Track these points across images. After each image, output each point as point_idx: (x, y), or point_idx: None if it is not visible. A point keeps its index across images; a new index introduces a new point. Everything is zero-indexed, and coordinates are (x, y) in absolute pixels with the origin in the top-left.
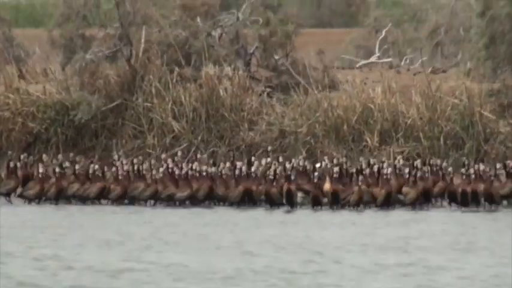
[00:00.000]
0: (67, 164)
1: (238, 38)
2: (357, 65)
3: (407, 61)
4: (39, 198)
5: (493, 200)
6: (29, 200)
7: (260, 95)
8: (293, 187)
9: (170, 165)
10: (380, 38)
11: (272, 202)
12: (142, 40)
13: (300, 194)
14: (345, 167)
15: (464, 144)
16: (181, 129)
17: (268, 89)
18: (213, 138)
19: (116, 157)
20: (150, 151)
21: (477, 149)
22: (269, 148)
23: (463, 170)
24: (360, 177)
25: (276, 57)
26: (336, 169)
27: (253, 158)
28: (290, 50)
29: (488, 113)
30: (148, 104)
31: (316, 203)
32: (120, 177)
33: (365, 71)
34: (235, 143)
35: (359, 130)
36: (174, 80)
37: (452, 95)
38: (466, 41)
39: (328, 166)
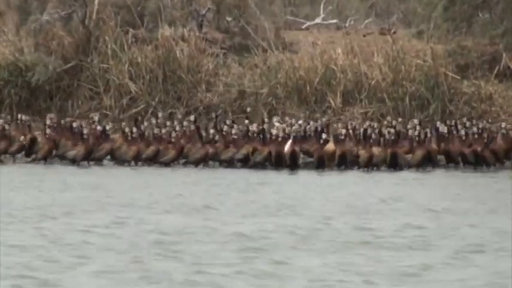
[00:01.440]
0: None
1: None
2: (303, 26)
3: (352, 22)
4: None
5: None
6: None
7: (217, 56)
8: (297, 149)
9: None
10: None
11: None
12: (96, 1)
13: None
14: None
15: (429, 105)
16: (139, 91)
17: (222, 51)
18: (171, 100)
19: (96, 118)
20: (107, 112)
21: (442, 109)
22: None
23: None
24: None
25: (229, 18)
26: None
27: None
28: (243, 12)
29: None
30: (105, 66)
31: (320, 164)
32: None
33: (314, 33)
34: (193, 104)
35: (321, 91)
36: (129, 42)
37: (415, 56)
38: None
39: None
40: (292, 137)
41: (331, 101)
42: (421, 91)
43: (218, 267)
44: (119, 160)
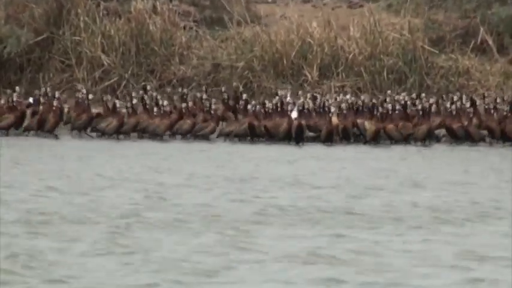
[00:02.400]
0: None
1: None
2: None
3: None
4: None
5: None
6: None
7: (190, 29)
8: (303, 123)
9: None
10: None
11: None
12: None
13: None
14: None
15: (407, 79)
16: (111, 63)
17: (194, 24)
18: (144, 73)
19: (84, 90)
20: (79, 85)
21: (420, 83)
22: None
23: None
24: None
25: None
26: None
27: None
28: None
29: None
30: (77, 38)
31: (328, 138)
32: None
33: (281, 6)
34: (167, 77)
35: (298, 65)
36: (101, 14)
37: (392, 30)
38: None
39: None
40: (297, 111)
41: (308, 74)
42: (398, 65)
43: None
44: (151, 134)
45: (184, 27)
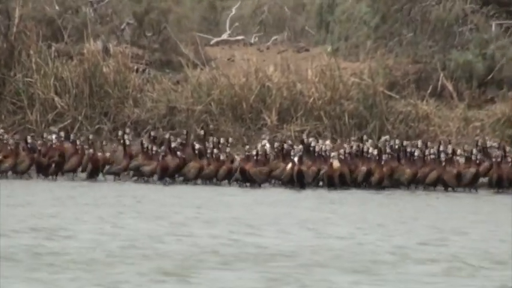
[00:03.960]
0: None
1: (111, 15)
2: (211, 42)
3: (256, 39)
4: None
5: None
6: None
7: (143, 71)
8: (304, 168)
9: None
10: (230, 15)
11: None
12: (17, 14)
13: None
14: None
15: (367, 124)
16: (65, 105)
17: (146, 66)
18: (98, 115)
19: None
20: (32, 127)
21: (380, 128)
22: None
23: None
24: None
25: (149, 34)
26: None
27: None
28: (163, 28)
29: (391, 92)
30: (29, 80)
31: (330, 183)
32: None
33: (226, 49)
34: (121, 120)
35: (257, 108)
36: (53, 56)
37: (352, 74)
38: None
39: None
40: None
41: (267, 118)
42: (359, 110)
43: None
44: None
45: (136, 70)
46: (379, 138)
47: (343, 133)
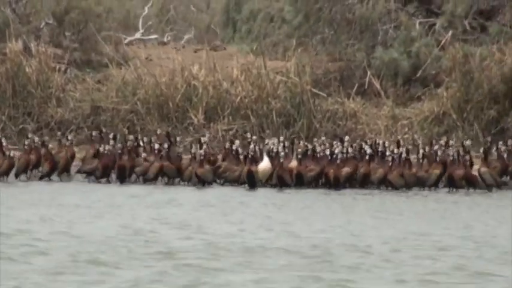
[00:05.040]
0: None
1: (31, 15)
2: (125, 41)
3: (169, 38)
4: None
5: None
6: None
7: (65, 71)
8: (254, 168)
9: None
10: (143, 14)
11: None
12: None
13: None
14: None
15: (295, 122)
16: None
17: (67, 66)
18: (21, 115)
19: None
20: None
21: (308, 126)
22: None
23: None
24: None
25: (68, 33)
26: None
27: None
28: (83, 27)
29: (319, 91)
30: None
31: (282, 183)
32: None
33: (142, 48)
34: (44, 120)
35: (183, 107)
36: None
37: (277, 73)
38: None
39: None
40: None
41: (193, 117)
42: (286, 108)
43: None
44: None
45: (58, 70)
46: (307, 137)
47: (271, 132)
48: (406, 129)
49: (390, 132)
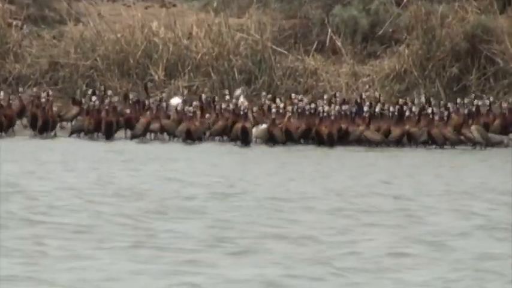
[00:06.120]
0: None
1: None
2: None
3: None
4: None
5: None
6: None
7: (22, 27)
8: (248, 124)
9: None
10: None
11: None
12: None
13: None
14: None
15: (256, 79)
16: None
17: (23, 22)
18: None
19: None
20: None
21: (269, 83)
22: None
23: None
24: None
25: None
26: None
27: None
28: None
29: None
30: None
31: (272, 139)
32: None
33: (93, 4)
34: (2, 76)
35: (143, 64)
36: None
37: (237, 30)
38: None
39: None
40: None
41: (154, 74)
42: (248, 65)
43: None
44: None
45: (15, 26)
46: (268, 93)
47: (232, 88)
48: (367, 87)
49: (352, 90)
